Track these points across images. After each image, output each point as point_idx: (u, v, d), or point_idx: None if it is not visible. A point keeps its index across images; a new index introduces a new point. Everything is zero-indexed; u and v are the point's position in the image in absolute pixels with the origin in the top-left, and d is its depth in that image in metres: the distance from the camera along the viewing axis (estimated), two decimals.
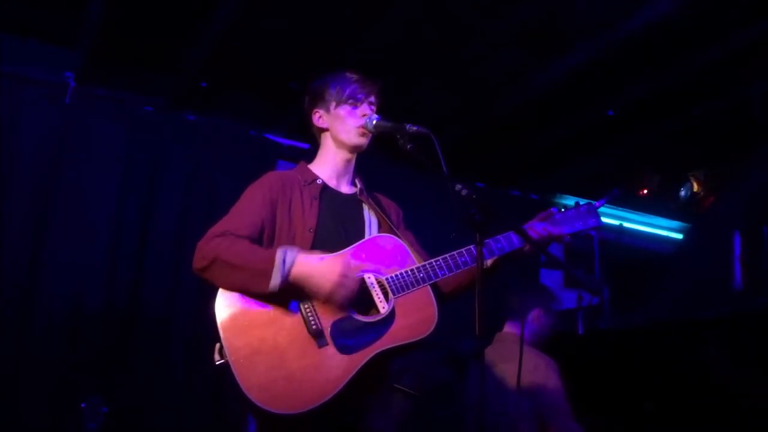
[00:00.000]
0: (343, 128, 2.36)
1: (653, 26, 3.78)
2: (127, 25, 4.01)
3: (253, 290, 2.07)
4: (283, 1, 3.79)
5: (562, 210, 2.37)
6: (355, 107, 2.37)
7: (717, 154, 5.34)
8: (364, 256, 2.20)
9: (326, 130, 2.42)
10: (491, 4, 3.74)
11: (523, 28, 3.94)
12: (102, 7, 3.72)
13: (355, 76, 2.40)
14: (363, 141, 2.37)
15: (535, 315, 3.50)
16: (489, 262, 2.28)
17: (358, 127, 2.34)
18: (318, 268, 2.06)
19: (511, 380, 3.15)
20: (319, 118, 2.43)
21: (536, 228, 2.29)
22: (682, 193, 5.57)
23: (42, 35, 4.23)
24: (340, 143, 2.40)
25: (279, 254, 2.05)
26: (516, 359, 2.79)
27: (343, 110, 2.37)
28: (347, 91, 2.37)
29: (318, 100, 2.43)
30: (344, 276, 2.06)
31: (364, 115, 2.34)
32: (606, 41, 3.97)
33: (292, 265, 2.04)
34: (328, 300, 2.07)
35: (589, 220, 2.37)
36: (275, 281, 2.02)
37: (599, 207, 2.40)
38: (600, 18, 3.84)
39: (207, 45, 4.08)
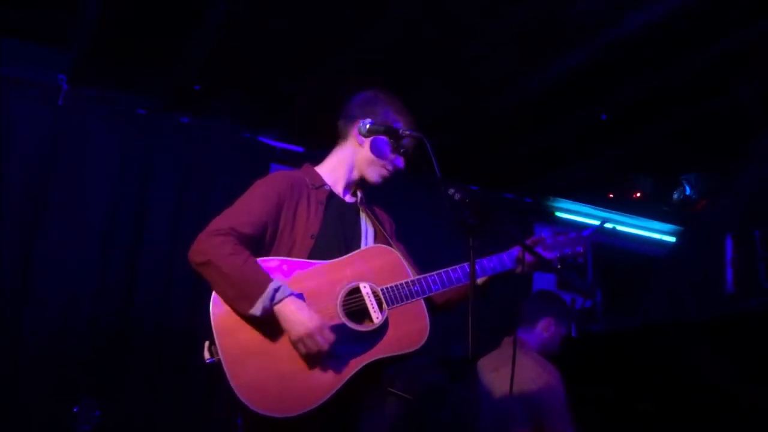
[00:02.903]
0: (374, 160, 2.38)
1: (651, 27, 3.79)
2: (120, 26, 4.00)
3: (233, 305, 2.07)
4: (279, 3, 3.79)
5: (554, 235, 2.43)
6: (396, 151, 2.32)
7: (711, 156, 5.36)
8: (361, 264, 2.21)
9: (358, 145, 2.40)
10: (490, 4, 3.74)
11: (522, 29, 3.94)
12: (96, 8, 3.72)
13: (413, 122, 2.38)
14: (378, 183, 2.42)
15: (545, 324, 3.47)
16: (480, 280, 2.31)
17: (385, 169, 2.39)
18: (299, 320, 2.03)
19: (506, 383, 3.16)
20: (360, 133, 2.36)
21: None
22: (675, 195, 5.60)
23: (35, 36, 4.22)
24: (359, 167, 2.41)
25: (271, 287, 2.03)
26: (520, 364, 2.79)
27: (385, 146, 2.36)
28: (404, 141, 2.28)
29: (371, 115, 2.35)
30: (316, 341, 2.02)
31: (395, 166, 2.40)
32: (603, 42, 3.98)
33: (279, 302, 2.03)
34: (293, 344, 2.05)
35: (577, 247, 2.42)
36: (256, 310, 2.01)
37: (587, 234, 2.46)
38: (597, 19, 3.85)
39: (201, 47, 4.07)
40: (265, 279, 2.05)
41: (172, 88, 4.53)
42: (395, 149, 2.30)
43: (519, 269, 2.33)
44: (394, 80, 4.23)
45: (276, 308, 2.03)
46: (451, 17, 3.87)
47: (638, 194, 5.59)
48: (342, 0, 3.74)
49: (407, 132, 2.18)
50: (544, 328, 3.47)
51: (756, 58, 4.10)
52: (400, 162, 2.39)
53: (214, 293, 2.10)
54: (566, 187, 5.98)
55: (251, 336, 2.06)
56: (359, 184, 2.47)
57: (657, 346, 3.63)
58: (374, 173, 2.40)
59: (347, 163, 2.42)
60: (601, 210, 6.21)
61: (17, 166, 4.09)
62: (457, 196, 2.01)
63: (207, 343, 2.06)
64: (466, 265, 2.23)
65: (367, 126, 2.31)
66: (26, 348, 3.92)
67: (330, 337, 2.04)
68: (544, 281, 5.63)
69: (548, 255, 2.36)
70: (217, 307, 2.08)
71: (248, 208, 2.23)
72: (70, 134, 4.31)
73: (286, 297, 2.04)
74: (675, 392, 3.47)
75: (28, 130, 4.17)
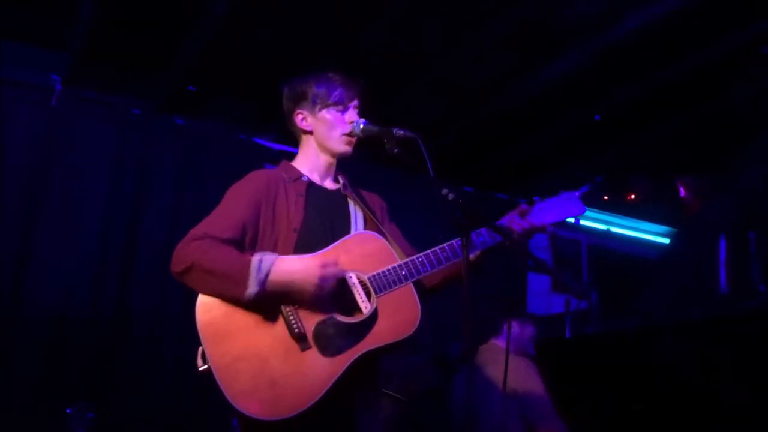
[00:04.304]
0: (331, 134, 2.34)
1: (646, 29, 3.82)
2: (116, 27, 4.00)
3: (229, 297, 2.04)
4: (273, 5, 3.79)
5: (546, 198, 2.35)
6: (342, 112, 2.34)
7: (706, 158, 5.37)
8: (345, 254, 2.17)
9: (310, 132, 2.39)
10: (487, 5, 3.75)
11: (514, 32, 3.96)
12: (91, 9, 3.72)
13: (339, 78, 2.37)
14: (348, 149, 2.36)
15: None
16: (472, 256, 2.25)
17: (345, 135, 2.33)
18: (297, 273, 2.03)
19: (496, 383, 3.19)
20: (303, 119, 2.39)
21: (517, 219, 2.29)
22: (670, 197, 5.61)
23: (31, 38, 4.22)
24: (324, 148, 2.38)
25: (254, 261, 2.01)
26: (498, 362, 2.82)
27: (330, 114, 2.34)
28: (334, 95, 2.34)
29: (301, 100, 2.38)
30: (323, 277, 2.03)
31: (351, 122, 2.32)
32: (596, 45, 4.00)
33: (269, 272, 2.01)
34: (312, 303, 2.05)
35: (573, 208, 2.35)
36: (252, 289, 1.99)
37: (581, 194, 2.38)
38: (590, 23, 3.87)
39: (196, 48, 4.08)
40: (246, 259, 2.03)
41: (168, 89, 4.53)
42: (344, 113, 2.32)
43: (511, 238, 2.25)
44: (391, 82, 4.28)
45: (270, 279, 2.01)
46: (449, 18, 3.88)
47: (632, 195, 5.61)
48: (339, 1, 3.75)
49: (401, 132, 2.18)
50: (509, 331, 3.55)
51: (752, 60, 4.13)
52: (353, 115, 2.34)
53: (198, 300, 2.06)
54: (561, 188, 5.98)
55: (239, 340, 2.02)
56: (337, 168, 2.44)
57: (652, 347, 3.64)
58: (339, 144, 2.35)
59: (310, 150, 2.40)
60: (596, 211, 6.23)
61: (13, 167, 4.08)
62: (450, 197, 2.00)
63: (200, 350, 2.02)
64: (454, 242, 2.20)
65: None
66: (20, 349, 3.90)
67: (335, 262, 2.07)
68: (539, 283, 5.64)
69: (538, 220, 2.29)
70: (202, 314, 2.05)
71: (224, 212, 2.20)
72: (65, 136, 4.30)
73: (273, 263, 2.02)
74: (670, 393, 3.48)
75: (24, 132, 4.16)
